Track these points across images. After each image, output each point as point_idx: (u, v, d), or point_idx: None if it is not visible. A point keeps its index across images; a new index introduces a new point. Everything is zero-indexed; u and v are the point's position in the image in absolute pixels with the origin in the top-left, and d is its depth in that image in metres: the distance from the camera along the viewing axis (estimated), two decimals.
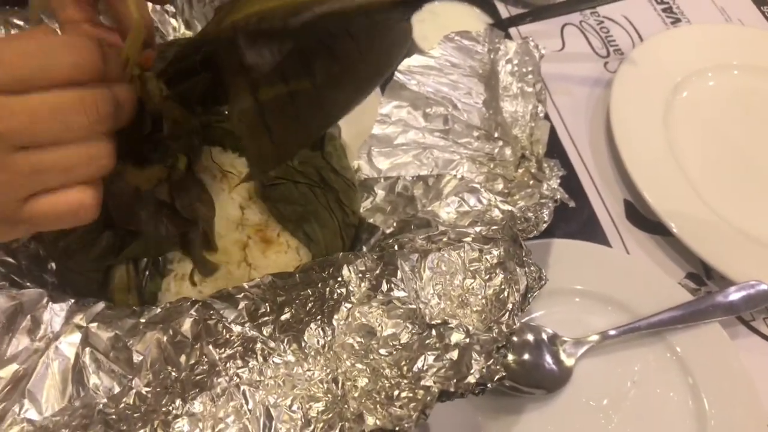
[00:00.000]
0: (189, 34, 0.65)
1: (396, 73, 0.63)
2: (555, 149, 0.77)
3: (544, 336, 0.59)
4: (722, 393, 0.58)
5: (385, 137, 0.61)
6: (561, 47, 0.87)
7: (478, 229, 0.45)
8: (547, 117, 0.65)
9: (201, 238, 0.48)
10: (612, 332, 0.60)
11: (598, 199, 0.74)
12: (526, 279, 0.42)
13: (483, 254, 0.42)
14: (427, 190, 0.58)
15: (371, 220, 0.57)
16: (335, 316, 0.40)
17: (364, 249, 0.55)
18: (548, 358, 0.58)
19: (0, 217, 0.35)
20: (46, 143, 0.34)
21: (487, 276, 0.42)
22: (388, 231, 0.55)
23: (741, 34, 0.91)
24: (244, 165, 0.52)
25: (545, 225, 0.50)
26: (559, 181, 0.58)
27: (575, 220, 0.72)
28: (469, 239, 0.44)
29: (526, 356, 0.58)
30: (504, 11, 0.89)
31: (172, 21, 0.66)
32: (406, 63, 0.64)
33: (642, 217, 0.73)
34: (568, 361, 0.58)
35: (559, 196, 0.55)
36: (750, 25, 0.95)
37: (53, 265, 0.52)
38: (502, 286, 0.42)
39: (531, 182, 0.57)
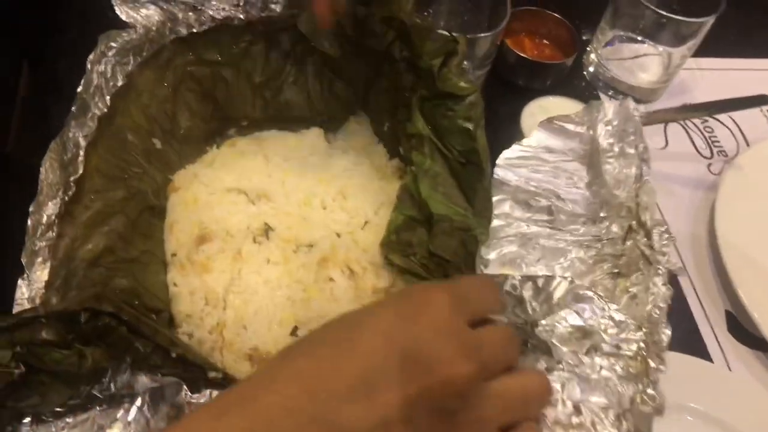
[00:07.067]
0: None
1: (495, 168, 0.63)
2: None
3: None
4: None
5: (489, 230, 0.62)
6: (664, 145, 0.87)
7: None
8: None
9: None
10: None
11: (699, 308, 0.73)
12: None
13: None
14: (536, 292, 0.58)
15: None
16: None
17: None
18: None
19: None
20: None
21: None
22: None
23: None
24: None
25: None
26: (667, 256, 0.56)
27: (675, 327, 0.70)
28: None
29: None
30: None
31: None
32: (504, 156, 0.64)
33: (745, 330, 0.72)
34: None
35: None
36: None
37: None
38: None
39: (641, 263, 0.57)
